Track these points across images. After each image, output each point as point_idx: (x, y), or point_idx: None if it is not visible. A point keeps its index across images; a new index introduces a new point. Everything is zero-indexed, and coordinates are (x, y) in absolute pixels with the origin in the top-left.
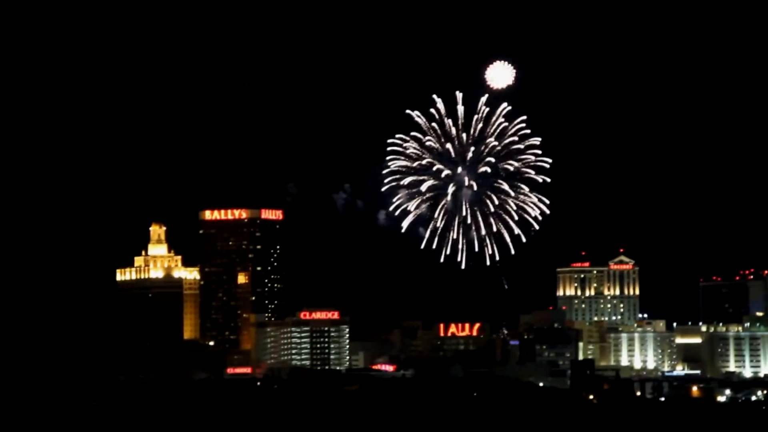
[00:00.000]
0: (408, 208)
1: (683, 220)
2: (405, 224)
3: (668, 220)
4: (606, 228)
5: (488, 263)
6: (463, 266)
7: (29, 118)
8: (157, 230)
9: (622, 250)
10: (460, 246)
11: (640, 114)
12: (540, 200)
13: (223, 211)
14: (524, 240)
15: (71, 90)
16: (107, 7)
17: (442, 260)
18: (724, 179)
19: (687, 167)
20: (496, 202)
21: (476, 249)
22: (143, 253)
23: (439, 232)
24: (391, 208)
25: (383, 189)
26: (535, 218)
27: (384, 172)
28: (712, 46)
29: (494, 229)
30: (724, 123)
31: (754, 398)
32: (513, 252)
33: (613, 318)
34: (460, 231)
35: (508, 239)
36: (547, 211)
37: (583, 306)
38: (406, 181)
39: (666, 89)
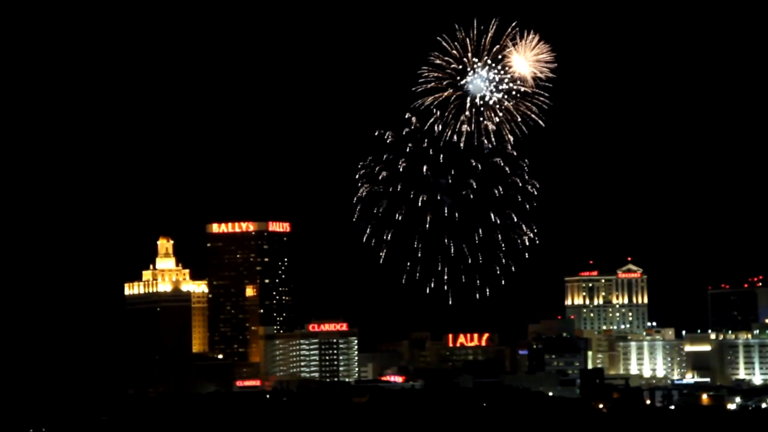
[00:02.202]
0: (384, 238)
1: (691, 228)
2: (382, 255)
3: (676, 227)
4: (614, 236)
5: (477, 297)
6: (450, 301)
7: (37, 133)
8: (164, 244)
9: (630, 259)
10: (445, 279)
11: (647, 122)
12: (529, 228)
13: (230, 224)
14: (514, 269)
15: (79, 105)
16: (115, 20)
17: (427, 291)
18: (731, 186)
19: (694, 175)
20: (481, 234)
21: (463, 280)
22: (151, 267)
23: (420, 264)
24: (363, 240)
25: (354, 219)
26: (524, 247)
27: (353, 200)
28: (716, 49)
29: (480, 260)
30: (731, 130)
31: (764, 405)
32: (503, 283)
33: (622, 326)
34: (445, 264)
35: (497, 270)
36: (537, 240)
37: (592, 315)
38: (379, 208)
39: (673, 98)
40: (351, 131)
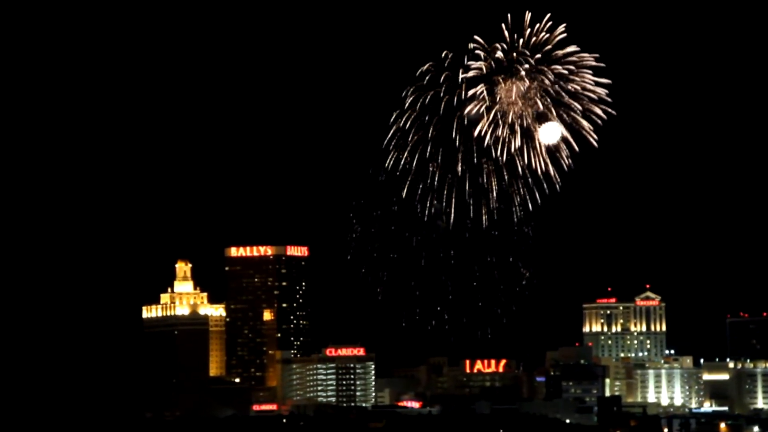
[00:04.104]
0: (381, 277)
1: (710, 256)
2: (379, 292)
3: (695, 255)
4: (632, 264)
5: (479, 335)
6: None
7: (56, 155)
8: (182, 267)
9: (648, 286)
10: (445, 318)
11: (667, 151)
12: (526, 268)
13: (248, 248)
14: (514, 308)
15: (100, 127)
16: (137, 42)
17: (429, 328)
18: (750, 215)
19: (714, 203)
20: (478, 273)
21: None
22: (169, 290)
23: (419, 305)
24: (360, 278)
25: (349, 257)
26: (521, 287)
27: (348, 239)
28: (726, 72)
29: (480, 303)
30: (751, 161)
31: None
32: (505, 321)
33: (640, 354)
34: (445, 305)
35: (498, 311)
36: (534, 281)
37: (610, 342)
38: (373, 248)
39: (693, 126)
40: (346, 168)
